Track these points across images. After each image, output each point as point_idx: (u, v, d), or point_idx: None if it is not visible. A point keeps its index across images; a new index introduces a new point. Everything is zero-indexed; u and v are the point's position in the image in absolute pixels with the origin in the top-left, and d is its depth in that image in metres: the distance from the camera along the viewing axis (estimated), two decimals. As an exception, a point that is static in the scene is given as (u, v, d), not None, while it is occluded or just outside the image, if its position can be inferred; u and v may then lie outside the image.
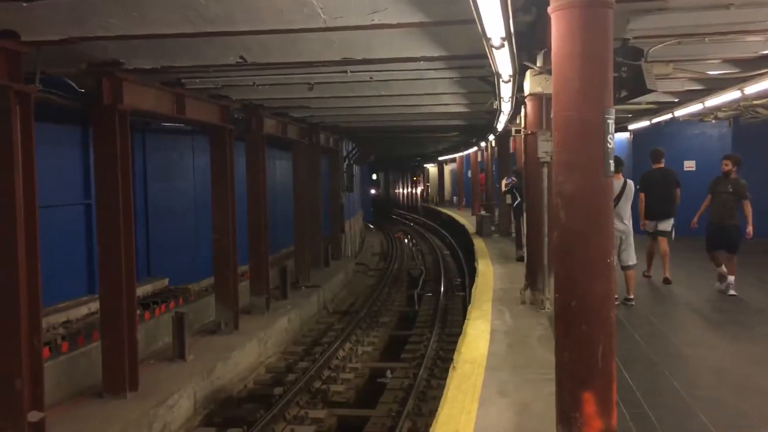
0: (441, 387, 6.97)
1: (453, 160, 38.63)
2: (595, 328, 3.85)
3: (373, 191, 60.94)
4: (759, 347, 7.21)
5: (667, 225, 10.53)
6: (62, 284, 10.14)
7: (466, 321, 8.89)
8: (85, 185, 11.02)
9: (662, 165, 10.90)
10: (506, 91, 8.67)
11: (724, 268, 9.72)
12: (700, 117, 15.25)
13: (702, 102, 12.14)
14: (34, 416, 6.55)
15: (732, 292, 9.54)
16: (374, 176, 59.95)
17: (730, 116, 15.32)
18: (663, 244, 10.60)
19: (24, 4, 5.49)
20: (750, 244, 10.31)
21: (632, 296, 9.10)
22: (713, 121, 15.99)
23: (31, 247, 6.61)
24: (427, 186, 52.03)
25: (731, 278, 9.62)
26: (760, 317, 8.68)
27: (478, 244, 17.67)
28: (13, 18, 6.01)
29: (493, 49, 5.73)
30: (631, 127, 17.61)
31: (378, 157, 42.07)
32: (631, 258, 9.09)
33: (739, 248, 9.69)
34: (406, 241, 33.30)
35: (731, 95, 10.92)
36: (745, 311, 8.97)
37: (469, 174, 31.41)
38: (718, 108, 13.30)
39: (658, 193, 10.57)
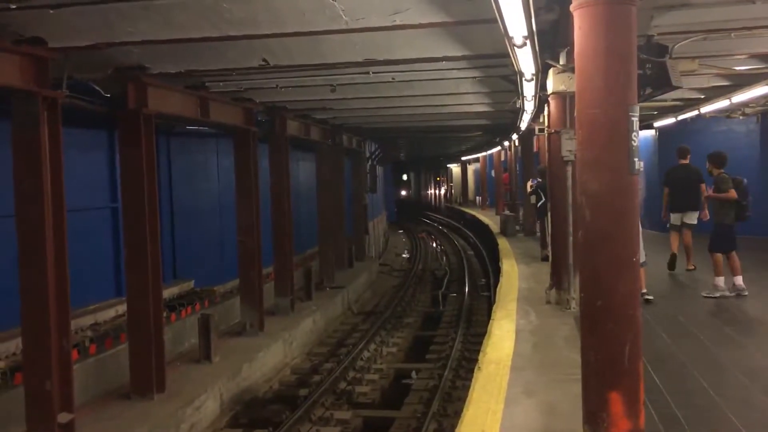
0: (466, 388, 6.95)
1: (476, 160, 38.47)
2: (622, 327, 3.82)
3: (403, 192, 58.24)
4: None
5: (692, 218, 10.90)
6: (90, 287, 10.28)
7: (491, 321, 8.84)
8: (111, 188, 11.17)
9: (687, 161, 11.01)
10: (529, 89, 8.62)
11: (719, 279, 9.34)
12: (726, 113, 15.04)
13: (728, 98, 11.97)
14: (63, 417, 6.64)
15: (725, 293, 9.27)
16: (404, 177, 57.87)
17: (757, 112, 15.11)
18: (687, 236, 11.03)
19: (51, 11, 5.58)
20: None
21: (645, 290, 8.96)
22: (740, 118, 15.75)
23: (59, 250, 6.70)
24: (451, 186, 51.84)
25: (735, 279, 9.29)
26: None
27: (503, 243, 17.57)
28: (40, 25, 6.10)
29: (515, 47, 5.70)
30: (656, 124, 17.42)
31: (409, 156, 41.52)
32: (641, 255, 8.90)
33: (722, 246, 9.36)
34: (433, 244, 33.19)
35: (759, 91, 10.77)
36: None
37: (493, 173, 31.28)
38: (745, 104, 13.12)
39: (681, 188, 10.89)
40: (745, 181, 9.53)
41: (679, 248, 11.17)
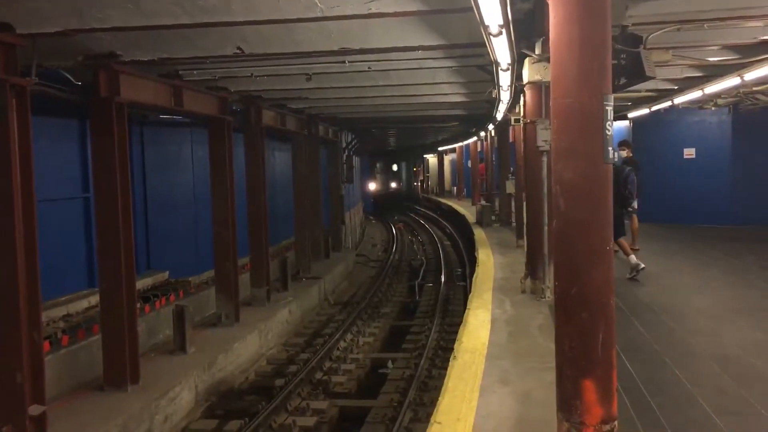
0: (442, 377, 6.97)
1: (453, 150, 38.56)
2: (596, 315, 3.84)
3: (393, 185, 53.22)
4: (762, 335, 7.20)
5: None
6: (62, 278, 10.14)
7: (466, 310, 8.89)
8: (83, 179, 11.00)
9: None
10: (505, 79, 8.63)
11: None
12: (699, 104, 15.24)
13: (701, 89, 12.11)
14: (35, 410, 6.55)
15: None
16: (394, 167, 52.81)
17: (729, 103, 15.32)
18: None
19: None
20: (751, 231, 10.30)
21: None
22: (713, 108, 15.98)
23: (29, 241, 6.59)
24: (427, 176, 51.75)
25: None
26: (760, 305, 8.66)
27: (479, 233, 17.66)
28: (7, 11, 5.97)
29: (491, 36, 5.69)
30: (630, 115, 17.57)
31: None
32: None
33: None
34: (412, 237, 33.22)
35: (731, 82, 10.89)
36: (744, 299, 8.96)
37: (469, 164, 31.37)
38: (717, 95, 13.29)
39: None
40: (627, 170, 10.16)
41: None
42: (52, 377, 7.60)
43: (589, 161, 3.86)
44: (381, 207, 44.86)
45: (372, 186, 49.00)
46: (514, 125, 13.08)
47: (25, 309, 6.49)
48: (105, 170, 8.06)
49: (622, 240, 10.06)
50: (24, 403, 6.45)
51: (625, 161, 12.35)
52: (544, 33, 6.76)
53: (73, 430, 7.03)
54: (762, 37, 8.31)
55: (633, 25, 6.40)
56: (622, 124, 18.41)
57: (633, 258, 9.96)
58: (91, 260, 10.70)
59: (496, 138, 21.09)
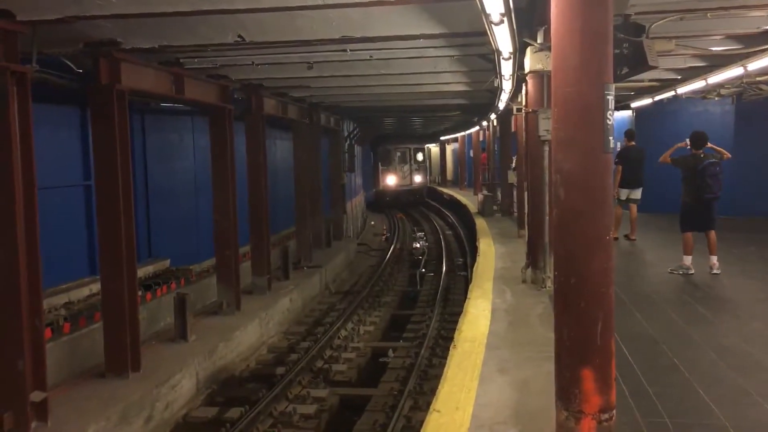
0: (442, 365, 6.99)
1: (455, 140, 38.48)
2: (594, 304, 3.85)
3: (418, 179, 39.52)
4: (761, 325, 7.20)
5: (638, 194, 12.53)
6: (63, 265, 10.16)
7: (467, 300, 8.91)
8: (84, 166, 11.01)
9: (634, 143, 12.66)
10: (507, 68, 8.60)
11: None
12: (702, 94, 15.19)
13: (704, 79, 12.07)
14: (36, 396, 6.58)
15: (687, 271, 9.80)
16: (419, 156, 39.92)
17: (732, 93, 15.26)
18: (634, 210, 12.71)
19: (18, -17, 5.44)
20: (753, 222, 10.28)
21: None
22: (716, 99, 15.92)
23: (30, 228, 6.59)
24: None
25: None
26: (760, 296, 8.67)
27: (480, 223, 17.66)
28: (8, -3, 5.96)
29: (492, 25, 5.67)
30: (633, 104, 17.53)
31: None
32: None
33: (680, 225, 9.98)
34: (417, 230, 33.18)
35: (734, 72, 10.84)
36: (743, 290, 8.96)
37: (471, 154, 31.34)
38: (720, 85, 13.25)
39: (633, 167, 12.33)
40: (707, 162, 9.53)
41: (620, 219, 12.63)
42: (54, 364, 7.62)
43: (589, 151, 3.85)
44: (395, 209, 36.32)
45: (392, 180, 39.12)
46: (516, 115, 13.09)
47: (27, 296, 6.51)
48: (106, 158, 8.05)
49: (689, 235, 9.72)
50: (25, 390, 6.48)
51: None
52: (546, 22, 6.73)
53: (74, 417, 7.05)
54: (765, 27, 8.28)
55: (635, 14, 6.37)
56: (625, 114, 18.36)
57: (688, 259, 9.68)
58: (92, 248, 10.72)
59: (498, 127, 21.06)
